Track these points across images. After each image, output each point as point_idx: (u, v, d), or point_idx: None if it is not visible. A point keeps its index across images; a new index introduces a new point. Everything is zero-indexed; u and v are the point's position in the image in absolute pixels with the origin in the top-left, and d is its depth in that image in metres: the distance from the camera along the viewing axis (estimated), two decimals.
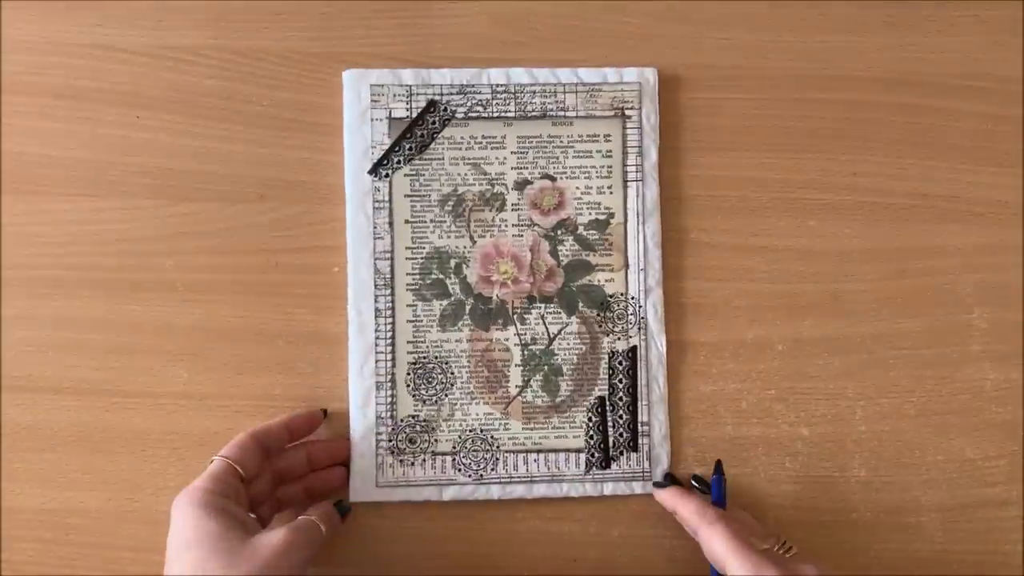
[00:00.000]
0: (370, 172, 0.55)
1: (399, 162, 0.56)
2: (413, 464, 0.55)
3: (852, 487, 0.56)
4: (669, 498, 0.53)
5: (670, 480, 0.55)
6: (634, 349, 0.56)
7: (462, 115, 0.56)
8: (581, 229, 0.56)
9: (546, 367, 0.56)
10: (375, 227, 0.55)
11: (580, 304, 0.56)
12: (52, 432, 0.55)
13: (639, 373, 0.56)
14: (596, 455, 0.55)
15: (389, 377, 0.55)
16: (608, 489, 0.55)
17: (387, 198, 0.56)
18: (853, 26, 0.58)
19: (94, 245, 0.55)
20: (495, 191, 0.56)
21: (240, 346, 0.55)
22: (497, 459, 0.55)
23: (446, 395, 0.55)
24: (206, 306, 0.55)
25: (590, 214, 0.56)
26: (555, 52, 0.57)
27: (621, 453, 0.55)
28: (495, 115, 0.56)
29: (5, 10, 0.56)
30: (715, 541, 0.48)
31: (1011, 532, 0.56)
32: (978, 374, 0.57)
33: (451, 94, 0.56)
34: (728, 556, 0.47)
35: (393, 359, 0.55)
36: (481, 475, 0.55)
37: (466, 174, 0.56)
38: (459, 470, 0.55)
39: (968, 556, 0.56)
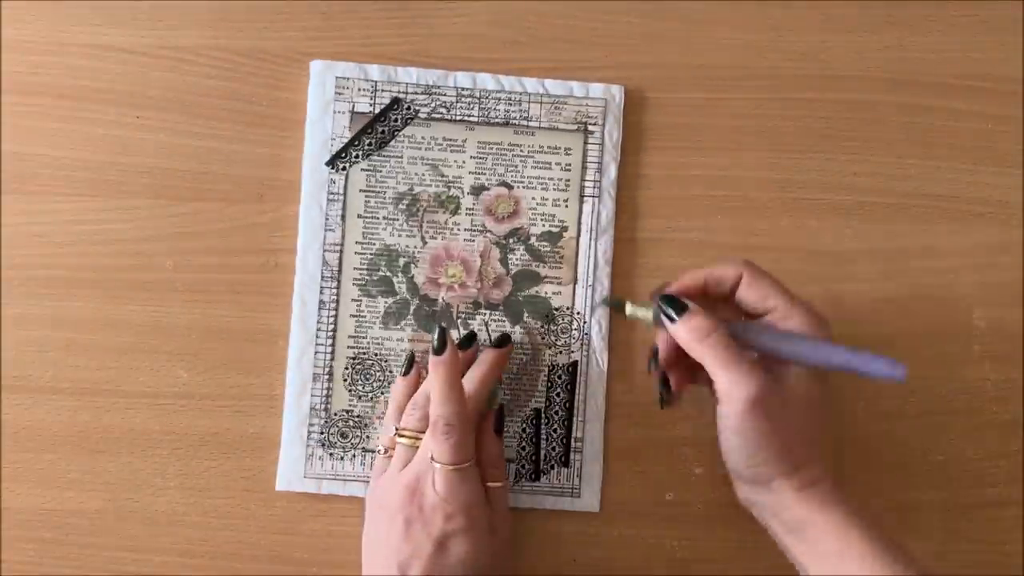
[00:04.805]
0: (327, 164, 0.55)
1: (357, 156, 0.55)
2: (343, 459, 0.55)
3: (852, 487, 0.56)
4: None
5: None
6: (575, 364, 0.55)
7: (425, 115, 0.56)
8: (533, 239, 0.56)
9: None
10: (327, 219, 0.55)
11: (525, 314, 0.56)
12: (52, 432, 0.55)
13: (577, 389, 0.55)
14: (527, 467, 0.55)
15: (327, 370, 0.55)
16: (536, 502, 0.55)
17: (342, 191, 0.55)
18: (853, 26, 0.58)
19: (94, 245, 0.55)
20: (451, 194, 0.56)
21: (240, 346, 0.55)
22: None
23: (382, 393, 0.55)
24: (206, 306, 0.55)
25: (544, 225, 0.56)
26: (554, 52, 0.57)
27: (552, 467, 0.55)
28: (458, 118, 0.56)
29: (5, 10, 0.56)
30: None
31: (1011, 532, 0.56)
32: (978, 374, 0.57)
33: (416, 93, 0.56)
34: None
35: (332, 352, 0.55)
36: None
37: (423, 174, 0.56)
38: None
39: (968, 556, 0.56)
